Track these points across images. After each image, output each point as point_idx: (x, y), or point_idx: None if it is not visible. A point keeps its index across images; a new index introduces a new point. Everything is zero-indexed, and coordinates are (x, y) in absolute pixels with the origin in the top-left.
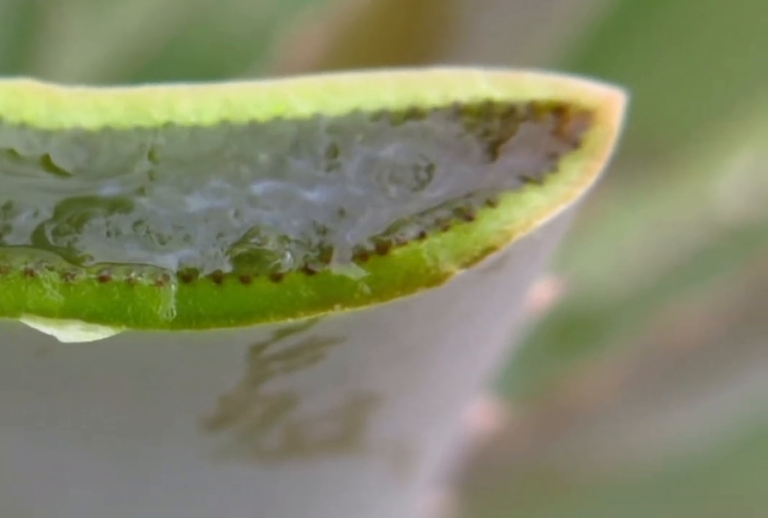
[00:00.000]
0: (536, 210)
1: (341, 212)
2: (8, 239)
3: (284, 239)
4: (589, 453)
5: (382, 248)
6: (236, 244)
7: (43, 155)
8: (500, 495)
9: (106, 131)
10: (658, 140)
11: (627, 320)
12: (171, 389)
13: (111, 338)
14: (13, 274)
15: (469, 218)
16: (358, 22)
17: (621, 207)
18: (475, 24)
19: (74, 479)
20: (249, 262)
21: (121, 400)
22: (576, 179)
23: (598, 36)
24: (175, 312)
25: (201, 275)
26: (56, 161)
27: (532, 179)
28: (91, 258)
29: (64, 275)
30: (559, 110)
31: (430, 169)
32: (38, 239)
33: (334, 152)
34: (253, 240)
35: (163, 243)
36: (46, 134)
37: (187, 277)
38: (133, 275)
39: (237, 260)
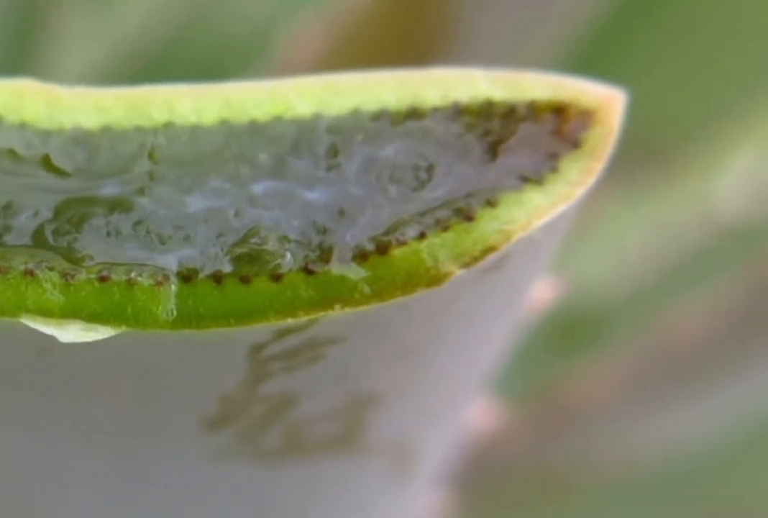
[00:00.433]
0: (536, 210)
1: (341, 212)
2: (8, 239)
3: (284, 239)
4: (589, 453)
5: (382, 248)
6: (236, 244)
7: (43, 155)
8: (500, 495)
9: (106, 130)
10: (658, 139)
11: (627, 320)
12: (171, 389)
13: (111, 338)
14: (13, 274)
15: (469, 218)
16: (358, 22)
17: (621, 207)
18: (475, 24)
19: (74, 479)
20: (249, 262)
21: (121, 400)
22: (576, 179)
23: (598, 36)
24: (175, 312)
25: (201, 275)
26: (56, 161)
27: (532, 179)
28: (91, 258)
29: (64, 275)
30: (559, 110)
31: (430, 169)
32: (38, 239)
33: (334, 152)
34: (253, 240)
35: (163, 243)
36: (46, 134)
37: (187, 277)
38: (133, 275)
39: (237, 260)
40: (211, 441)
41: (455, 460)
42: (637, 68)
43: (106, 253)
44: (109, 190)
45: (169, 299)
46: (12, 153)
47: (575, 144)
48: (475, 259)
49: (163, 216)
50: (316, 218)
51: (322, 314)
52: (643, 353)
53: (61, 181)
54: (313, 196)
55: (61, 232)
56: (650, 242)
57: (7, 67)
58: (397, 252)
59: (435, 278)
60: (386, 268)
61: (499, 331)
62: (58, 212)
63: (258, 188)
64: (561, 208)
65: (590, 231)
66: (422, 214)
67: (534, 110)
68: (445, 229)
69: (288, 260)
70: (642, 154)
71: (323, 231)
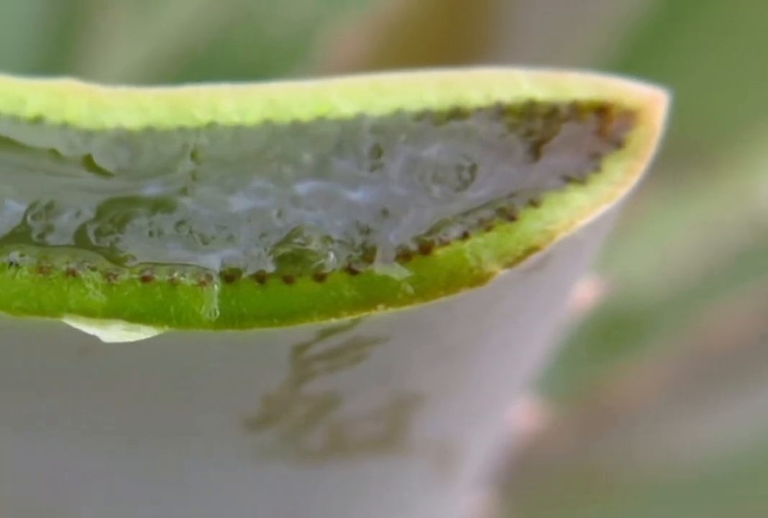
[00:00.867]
0: (579, 210)
1: (384, 212)
2: (50, 239)
3: (327, 239)
4: (631, 454)
5: (426, 248)
6: (279, 244)
7: (85, 155)
8: (543, 495)
9: (149, 131)
10: (701, 140)
11: (669, 321)
12: (213, 389)
13: (153, 339)
14: (56, 274)
15: (512, 218)
16: (400, 22)
17: (663, 207)
18: (517, 23)
19: (113, 479)
20: (292, 262)
21: (163, 400)
22: (619, 179)
23: (640, 36)
24: (218, 312)
25: (244, 275)
26: (98, 161)
27: (575, 178)
28: (134, 258)
29: (107, 275)
30: (601, 110)
31: (473, 169)
32: (80, 239)
33: (377, 152)
34: (297, 240)
35: (206, 243)
36: (89, 134)
37: (230, 277)
38: (175, 275)
39: (280, 260)
40: (253, 441)
41: (498, 460)
42: (679, 68)
43: (148, 253)
44: (151, 190)
45: (212, 299)
46: (54, 153)
47: (618, 144)
48: (518, 259)
49: (206, 216)
50: (359, 218)
51: (365, 314)
52: (685, 354)
53: (103, 181)
54: (356, 196)
55: (104, 232)
56: (692, 243)
57: (49, 67)
58: (440, 252)
59: (478, 278)
60: (429, 268)
61: (542, 331)
62: (100, 212)
63: (301, 188)
64: (604, 208)
65: (633, 231)
66: (465, 214)
67: (577, 110)
68: (488, 229)
69: (331, 260)
70: (684, 154)
71: (366, 231)
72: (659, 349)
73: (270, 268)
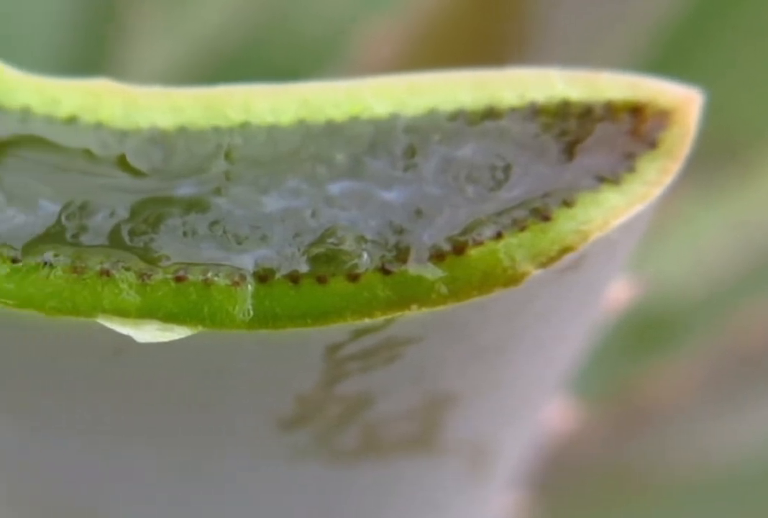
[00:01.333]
0: (613, 210)
1: (418, 212)
2: (84, 239)
3: (361, 239)
4: (665, 454)
5: (459, 248)
6: (313, 244)
7: (119, 155)
8: (576, 496)
9: (183, 131)
10: (735, 140)
11: (703, 321)
12: (246, 389)
13: (187, 339)
14: (90, 274)
15: (546, 218)
16: (434, 22)
17: (698, 207)
18: (551, 23)
19: (143, 479)
20: (326, 262)
21: (196, 400)
22: (653, 179)
23: (674, 36)
24: (251, 312)
25: (278, 275)
26: (132, 161)
27: (608, 179)
28: (168, 258)
29: (141, 275)
30: (636, 110)
31: (506, 169)
32: (114, 239)
33: (411, 152)
34: (330, 240)
35: (239, 243)
36: (122, 134)
37: (263, 277)
38: (209, 275)
39: (314, 260)
40: (286, 441)
41: (532, 460)
42: (713, 68)
43: (182, 253)
44: (185, 190)
45: (245, 300)
46: (88, 153)
47: (652, 144)
48: (552, 259)
49: (239, 216)
50: (393, 218)
51: (398, 314)
52: (719, 354)
53: (137, 181)
54: (390, 196)
55: (138, 232)
56: (727, 243)
57: (83, 67)
58: (473, 252)
59: (512, 278)
60: (463, 268)
61: (576, 331)
62: (134, 212)
63: (335, 188)
64: (638, 208)
65: (667, 232)
66: (499, 214)
67: (611, 110)
68: (522, 229)
69: (365, 260)
70: (719, 154)
71: (400, 231)
72: (693, 349)
73: (303, 268)
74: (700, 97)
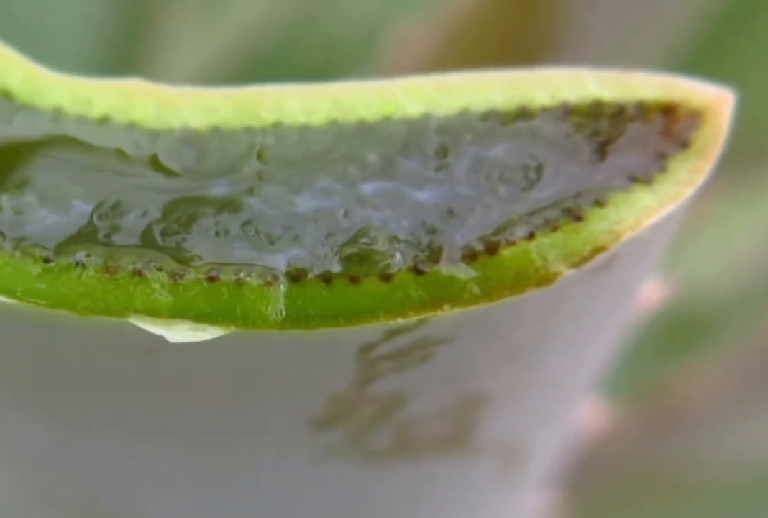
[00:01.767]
0: (645, 210)
1: (450, 212)
2: (117, 239)
3: (394, 239)
4: (696, 454)
5: (492, 248)
6: (345, 244)
7: (151, 154)
8: (608, 495)
9: (215, 131)
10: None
11: (735, 321)
12: (279, 389)
13: (219, 339)
14: (122, 274)
15: (578, 218)
16: (465, 23)
17: (730, 207)
18: (583, 23)
19: (173, 480)
20: (358, 262)
21: (227, 400)
22: (685, 179)
23: (706, 36)
24: (284, 312)
25: (310, 275)
26: (165, 160)
27: (640, 178)
28: (200, 258)
29: (173, 275)
30: (668, 110)
31: (539, 169)
32: (147, 239)
33: (443, 152)
34: (363, 240)
35: (272, 243)
36: (155, 134)
37: (296, 277)
38: (242, 275)
39: (346, 260)
40: (319, 441)
41: (564, 460)
42: (746, 68)
43: (214, 253)
44: (217, 190)
45: (278, 299)
46: (120, 153)
47: (684, 144)
48: (584, 259)
49: (272, 216)
50: (425, 218)
51: (431, 314)
52: (751, 354)
53: (169, 181)
54: (422, 196)
55: (170, 232)
56: (758, 243)
57: (116, 67)
58: (506, 252)
59: (544, 278)
60: (495, 268)
61: (608, 331)
62: (166, 212)
63: (367, 188)
64: (670, 208)
65: (699, 232)
66: (531, 214)
67: (643, 110)
68: (554, 229)
69: (397, 260)
70: (751, 154)
71: (432, 231)
72: (725, 349)
73: (336, 268)
74: (732, 97)
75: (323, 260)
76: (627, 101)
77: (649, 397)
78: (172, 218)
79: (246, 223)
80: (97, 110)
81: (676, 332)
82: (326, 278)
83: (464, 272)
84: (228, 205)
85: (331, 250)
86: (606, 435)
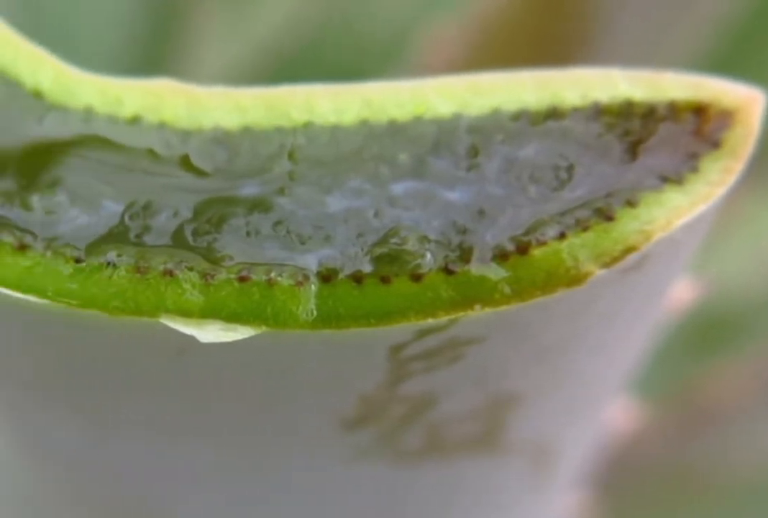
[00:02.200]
0: (676, 210)
1: (481, 212)
2: (148, 239)
3: (424, 239)
4: (727, 454)
5: (523, 248)
6: (376, 244)
7: (182, 154)
8: (639, 495)
9: (246, 131)
10: None
11: (766, 321)
12: (309, 389)
13: (250, 339)
14: (153, 274)
15: (609, 218)
16: (496, 22)
17: (761, 207)
18: (615, 24)
19: (203, 480)
20: (389, 262)
21: (257, 400)
22: (716, 179)
23: (737, 36)
24: (315, 312)
25: (341, 275)
26: (195, 161)
27: (672, 178)
28: (231, 258)
29: (204, 275)
30: (699, 110)
31: (569, 169)
32: (178, 239)
33: (474, 151)
34: (393, 240)
35: (303, 243)
36: (186, 134)
37: (327, 277)
38: (273, 275)
39: (377, 260)
40: (349, 441)
41: (595, 460)
42: None
43: (245, 253)
44: (248, 190)
45: (309, 299)
46: (151, 153)
47: (715, 144)
48: (615, 259)
49: (302, 216)
50: (456, 218)
51: (462, 314)
52: None
53: (200, 181)
54: (453, 196)
55: (201, 232)
56: None
57: (146, 67)
58: (537, 252)
59: (575, 278)
60: (526, 268)
61: (639, 331)
62: (197, 212)
63: (398, 188)
64: (701, 208)
65: (730, 232)
66: (562, 214)
67: (674, 110)
68: (585, 229)
69: (428, 260)
70: None
71: (463, 231)
72: (755, 349)
73: (367, 268)
74: (763, 97)
75: (354, 260)
76: (658, 101)
77: (680, 397)
78: (203, 218)
79: (277, 223)
80: (128, 110)
81: (706, 333)
82: (357, 278)
83: (495, 272)
84: (259, 205)
85: (362, 250)
86: (637, 434)
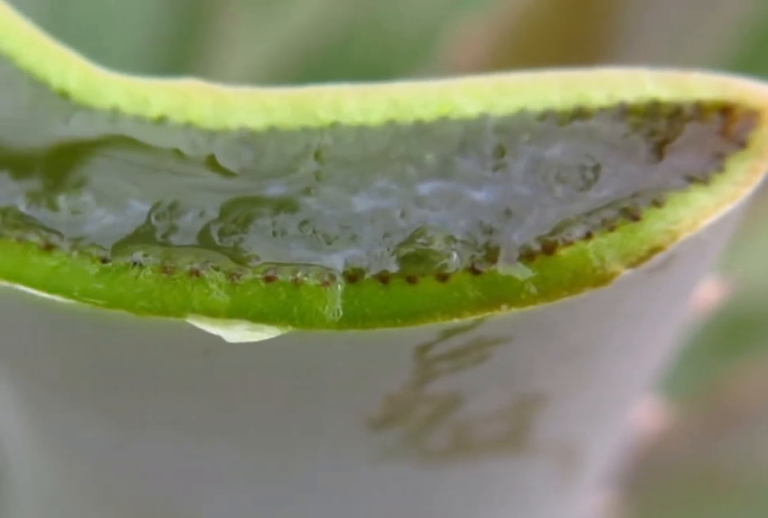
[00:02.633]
0: (702, 210)
1: (508, 212)
2: (174, 239)
3: (451, 239)
4: (753, 454)
5: (549, 248)
6: (402, 244)
7: (208, 155)
8: (665, 495)
9: (272, 131)
10: None
11: None
12: (336, 389)
13: (276, 339)
14: (179, 274)
15: (636, 218)
16: (523, 22)
17: None
18: (640, 23)
19: (229, 480)
20: (415, 262)
21: (284, 400)
22: (742, 179)
23: (763, 36)
24: (341, 312)
25: (367, 275)
26: (222, 161)
27: (698, 178)
28: (257, 258)
29: (230, 275)
30: (725, 110)
31: (596, 169)
32: (204, 239)
33: (500, 151)
34: (420, 240)
35: (329, 243)
36: (212, 134)
37: (353, 277)
38: (299, 275)
39: (403, 260)
40: (375, 441)
41: (621, 460)
42: None
43: (272, 253)
44: (275, 190)
45: (335, 299)
46: (177, 153)
47: (742, 144)
48: (642, 259)
49: (329, 216)
50: (482, 218)
51: (488, 314)
52: None
53: (226, 181)
54: (479, 196)
55: (227, 232)
56: None
57: (173, 67)
58: (563, 252)
59: (601, 278)
60: (553, 268)
61: (665, 331)
62: (223, 212)
63: (424, 188)
64: (727, 208)
65: (756, 232)
66: (588, 214)
67: (700, 110)
68: (612, 229)
69: (454, 260)
70: None
71: (490, 231)
72: None
73: (393, 268)
74: None
75: (380, 260)
76: (684, 101)
77: (706, 397)
78: (230, 218)
79: (303, 223)
80: (154, 110)
81: (733, 333)
82: (383, 278)
83: (521, 272)
84: (285, 205)
85: (388, 250)
86: (663, 434)
